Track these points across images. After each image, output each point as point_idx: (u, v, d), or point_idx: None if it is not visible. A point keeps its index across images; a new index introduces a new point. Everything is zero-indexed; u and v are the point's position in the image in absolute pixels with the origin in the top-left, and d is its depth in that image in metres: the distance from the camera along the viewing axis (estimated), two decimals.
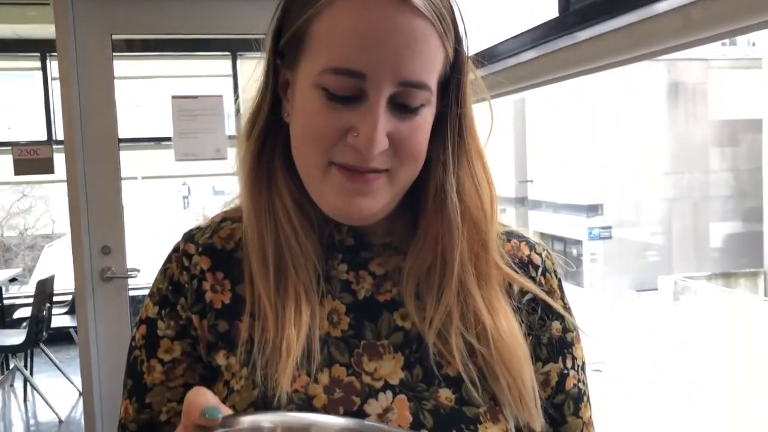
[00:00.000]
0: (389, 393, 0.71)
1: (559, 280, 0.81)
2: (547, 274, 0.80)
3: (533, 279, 0.78)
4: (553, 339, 0.78)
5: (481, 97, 0.76)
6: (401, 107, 0.67)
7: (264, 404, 0.68)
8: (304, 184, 0.72)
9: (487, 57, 1.78)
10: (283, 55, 0.72)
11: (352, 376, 0.71)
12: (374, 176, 0.68)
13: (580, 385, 0.80)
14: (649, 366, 11.61)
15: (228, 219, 0.80)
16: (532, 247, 0.81)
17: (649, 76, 18.02)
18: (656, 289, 17.31)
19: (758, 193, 17.74)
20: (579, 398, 0.79)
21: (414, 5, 0.65)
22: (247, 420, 0.55)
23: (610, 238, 19.11)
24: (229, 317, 0.74)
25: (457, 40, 0.71)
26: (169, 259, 0.79)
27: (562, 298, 0.80)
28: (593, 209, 19.02)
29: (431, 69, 0.68)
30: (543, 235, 20.79)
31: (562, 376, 0.78)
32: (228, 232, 0.79)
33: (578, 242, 19.44)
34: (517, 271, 0.76)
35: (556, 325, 0.78)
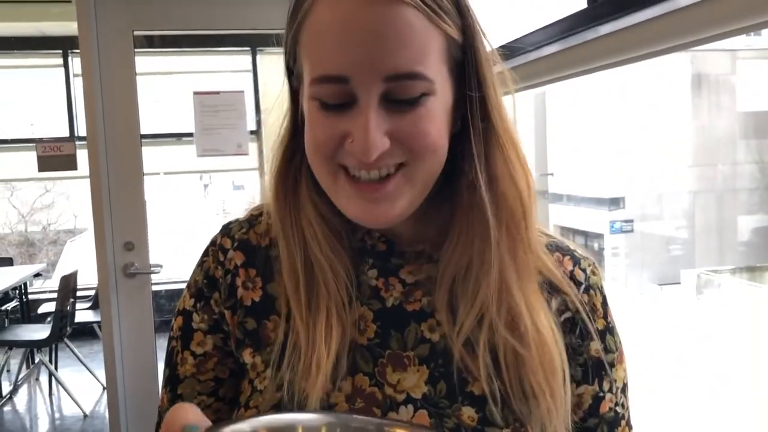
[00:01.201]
0: (410, 407, 0.68)
1: (604, 297, 0.77)
2: (591, 291, 0.76)
3: (575, 296, 0.74)
4: (590, 360, 0.74)
5: (505, 90, 0.71)
6: (397, 102, 0.64)
7: (287, 410, 0.67)
8: (323, 187, 0.71)
9: (512, 50, 1.76)
10: (292, 70, 0.71)
11: (374, 386, 0.69)
12: (384, 183, 0.66)
13: (618, 408, 0.76)
14: (671, 361, 11.50)
15: (265, 212, 0.79)
16: (576, 261, 0.77)
17: (673, 68, 17.82)
18: (679, 283, 17.14)
19: None
20: (615, 422, 0.75)
21: None
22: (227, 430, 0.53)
23: (632, 231, 18.94)
24: (257, 315, 0.74)
25: (462, 18, 0.66)
26: (206, 253, 0.79)
27: (605, 316, 0.76)
28: (615, 202, 18.86)
29: (423, 56, 0.63)
30: (564, 229, 20.65)
31: (597, 399, 0.74)
32: (264, 227, 0.78)
33: (600, 236, 19.29)
34: (558, 269, 0.73)
35: (594, 346, 0.74)
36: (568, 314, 0.73)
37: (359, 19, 0.61)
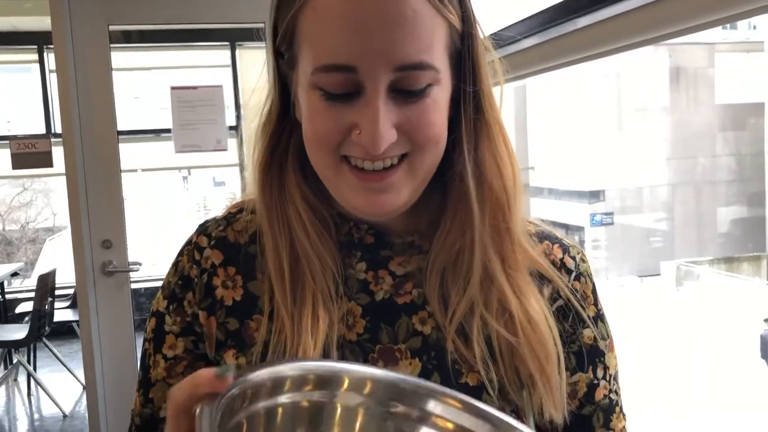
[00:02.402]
0: None
1: (594, 284, 0.76)
2: (582, 278, 0.75)
3: (565, 284, 0.73)
4: (583, 348, 0.73)
5: (495, 80, 0.71)
6: (404, 93, 0.62)
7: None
8: (323, 182, 0.69)
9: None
10: (282, 54, 0.69)
11: None
12: (388, 173, 0.64)
13: (612, 395, 0.75)
14: (652, 352, 11.63)
15: (245, 209, 0.77)
16: (565, 249, 0.76)
17: (651, 61, 17.97)
18: (659, 275, 17.34)
19: (761, 178, 17.71)
20: (610, 409, 0.74)
21: None
22: (264, 372, 0.52)
23: (612, 224, 19.12)
24: (240, 315, 0.72)
25: (462, 7, 0.65)
26: (181, 252, 0.76)
27: (596, 303, 0.75)
28: (595, 195, 19.03)
29: (430, 46, 0.62)
30: (545, 222, 20.77)
31: (592, 387, 0.73)
32: (243, 224, 0.75)
33: (580, 229, 19.45)
34: (541, 257, 0.72)
35: (587, 333, 0.73)
36: (560, 302, 0.72)
37: (369, 7, 0.59)
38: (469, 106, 0.68)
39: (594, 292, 0.76)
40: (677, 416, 8.74)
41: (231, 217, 0.77)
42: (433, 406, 0.57)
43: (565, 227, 20.01)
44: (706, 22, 1.28)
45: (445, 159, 0.68)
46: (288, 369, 0.54)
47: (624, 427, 0.76)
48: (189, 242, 0.76)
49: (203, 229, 0.77)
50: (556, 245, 0.75)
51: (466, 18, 0.66)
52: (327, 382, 0.55)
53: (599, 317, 0.75)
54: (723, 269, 16.59)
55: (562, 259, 0.75)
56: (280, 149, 0.72)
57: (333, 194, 0.68)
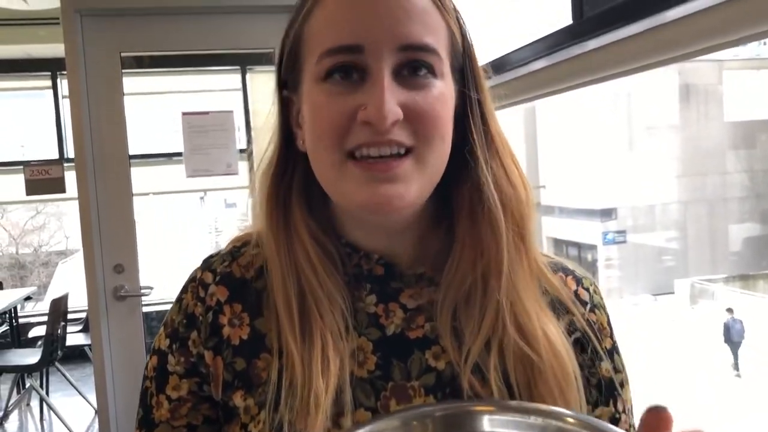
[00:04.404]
0: None
1: (608, 316, 0.75)
2: (597, 311, 0.73)
3: (582, 315, 0.71)
4: (603, 380, 0.71)
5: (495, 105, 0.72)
6: (410, 76, 0.63)
7: None
8: (330, 196, 0.68)
9: (499, 66, 1.76)
10: (287, 82, 0.69)
11: None
12: (396, 162, 0.63)
13: (631, 430, 0.73)
14: (667, 370, 11.48)
15: (249, 243, 0.75)
16: (578, 281, 0.74)
17: (661, 79, 17.95)
18: (673, 293, 17.16)
19: None
20: None
21: None
22: None
23: (624, 242, 18.99)
24: (247, 354, 0.69)
25: (461, 27, 0.67)
26: (184, 289, 0.75)
27: (611, 336, 0.74)
28: (607, 213, 18.92)
29: (433, 33, 0.63)
30: (557, 241, 20.69)
31: (614, 421, 0.71)
32: (248, 258, 0.74)
33: (593, 247, 19.33)
34: (555, 278, 0.71)
35: (605, 366, 0.72)
36: (577, 334, 0.70)
37: None
38: (477, 116, 0.68)
39: (609, 323, 0.74)
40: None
41: (236, 251, 0.75)
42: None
43: (578, 246, 19.90)
44: (714, 45, 1.28)
45: (452, 181, 0.68)
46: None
47: None
48: (193, 279, 0.75)
49: (208, 264, 0.75)
50: (569, 277, 0.74)
51: (465, 39, 0.68)
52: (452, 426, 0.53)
53: (615, 350, 0.74)
54: (738, 287, 16.41)
55: (576, 291, 0.73)
56: (285, 186, 0.71)
57: (337, 198, 0.67)
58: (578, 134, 18.85)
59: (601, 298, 0.75)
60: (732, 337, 12.12)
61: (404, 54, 0.62)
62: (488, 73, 0.71)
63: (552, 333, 0.67)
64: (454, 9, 0.67)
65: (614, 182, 18.36)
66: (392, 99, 0.61)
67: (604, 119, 18.46)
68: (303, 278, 0.68)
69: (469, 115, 0.68)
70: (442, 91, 0.64)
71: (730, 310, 12.92)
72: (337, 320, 0.68)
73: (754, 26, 1.17)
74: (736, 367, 11.97)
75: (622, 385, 0.73)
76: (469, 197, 0.68)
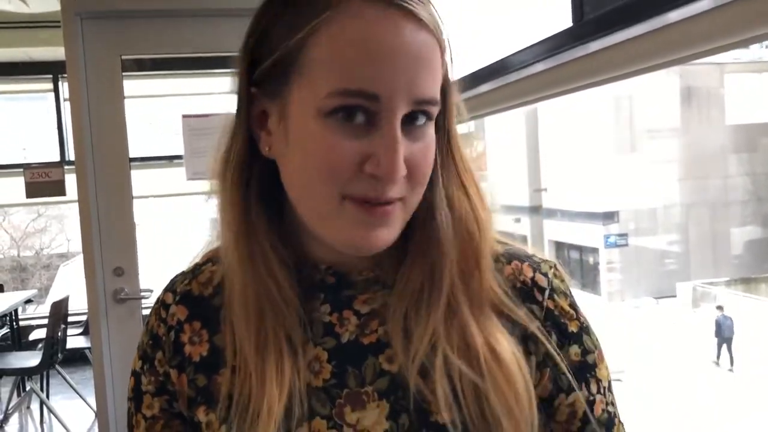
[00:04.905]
0: None
1: (572, 298, 0.74)
2: (555, 296, 0.72)
3: (540, 303, 0.71)
4: (573, 365, 0.71)
5: (459, 119, 0.72)
6: (411, 125, 0.63)
7: None
8: (307, 221, 0.67)
9: (500, 69, 1.75)
10: (259, 83, 0.67)
11: (333, 429, 0.66)
12: (390, 208, 0.64)
13: (609, 408, 0.73)
14: (669, 373, 11.47)
15: (211, 260, 0.76)
16: (536, 267, 0.73)
17: (662, 82, 17.95)
18: (674, 296, 17.15)
19: None
20: (610, 423, 0.72)
21: (419, 17, 0.61)
22: None
23: (626, 245, 18.98)
24: (207, 371, 0.71)
25: (449, 53, 0.67)
26: (151, 311, 0.77)
27: (578, 318, 0.73)
28: (609, 217, 18.92)
29: (438, 83, 0.64)
30: (559, 244, 20.68)
31: (589, 404, 0.71)
32: (207, 275, 0.75)
33: (594, 250, 19.33)
34: (512, 300, 0.70)
35: (574, 350, 0.71)
36: (537, 324, 0.70)
37: (396, 40, 0.60)
38: (443, 143, 0.69)
39: (573, 306, 0.73)
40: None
41: (197, 269, 0.77)
42: None
43: (579, 249, 19.90)
44: (716, 47, 1.27)
45: None
46: None
47: None
48: (157, 301, 0.76)
49: (171, 285, 0.77)
50: (525, 264, 0.73)
51: (449, 59, 0.67)
52: None
53: (583, 330, 0.73)
54: (740, 290, 16.39)
55: (533, 278, 0.72)
56: (248, 193, 0.69)
57: (322, 231, 0.66)
58: (580, 137, 18.85)
59: (562, 281, 0.74)
60: (723, 332, 12.86)
61: (416, 107, 0.62)
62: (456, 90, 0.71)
63: (502, 349, 0.67)
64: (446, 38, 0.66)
65: (616, 185, 18.36)
66: (402, 155, 0.61)
67: (606, 122, 18.46)
68: (262, 285, 0.68)
69: (437, 143, 0.68)
70: (432, 135, 0.66)
71: (720, 308, 13.70)
72: (293, 326, 0.68)
73: (756, 28, 1.16)
74: (730, 361, 12.68)
75: (595, 364, 0.72)
76: (424, 213, 0.68)
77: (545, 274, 0.73)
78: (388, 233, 0.65)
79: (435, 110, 0.64)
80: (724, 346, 12.86)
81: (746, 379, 11.22)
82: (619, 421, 0.74)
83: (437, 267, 0.68)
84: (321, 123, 0.62)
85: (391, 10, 0.60)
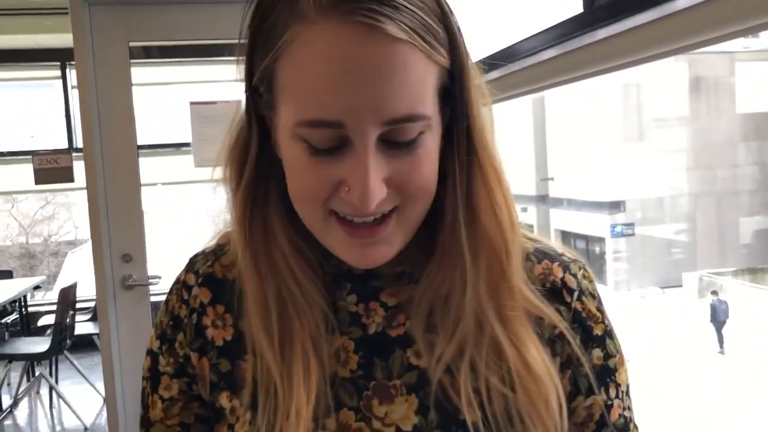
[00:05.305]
0: None
1: (599, 301, 0.73)
2: (584, 298, 0.71)
3: (568, 305, 0.70)
4: (594, 368, 0.70)
5: (484, 102, 0.67)
6: (395, 144, 0.59)
7: None
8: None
9: (508, 55, 1.74)
10: (261, 94, 0.64)
11: (361, 421, 0.65)
12: (380, 227, 0.61)
13: (626, 413, 0.72)
14: (675, 363, 11.47)
15: (233, 240, 0.73)
16: (566, 267, 0.71)
17: (671, 71, 17.83)
18: (681, 286, 17.11)
19: None
20: (625, 428, 0.72)
21: (386, 32, 0.55)
22: None
23: (633, 235, 18.93)
24: (231, 356, 0.70)
25: (452, 43, 0.61)
26: (170, 290, 0.75)
27: (603, 321, 0.72)
28: (615, 206, 18.85)
29: (422, 95, 0.58)
30: (565, 233, 20.63)
31: (607, 408, 0.71)
32: (231, 257, 0.72)
33: (601, 240, 19.27)
34: (543, 302, 0.68)
35: (596, 353, 0.71)
36: (564, 324, 0.69)
37: (356, 59, 0.55)
38: (462, 148, 0.64)
39: (600, 308, 0.72)
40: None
41: (219, 250, 0.75)
42: None
43: (586, 238, 19.85)
44: (728, 34, 1.26)
45: (436, 199, 0.65)
46: None
47: None
48: (178, 280, 0.75)
49: (191, 265, 0.75)
50: (555, 264, 0.72)
51: (457, 54, 0.61)
52: None
53: (607, 334, 0.72)
54: (747, 280, 16.34)
55: (563, 279, 0.71)
56: (261, 192, 0.67)
57: (324, 244, 0.65)
58: (587, 125, 18.76)
59: (591, 282, 0.73)
60: (718, 316, 13.35)
61: (389, 127, 0.57)
62: (477, 74, 0.66)
63: (533, 359, 0.65)
64: (444, 25, 0.60)
65: (623, 174, 18.28)
66: (377, 179, 0.58)
67: (614, 110, 18.36)
68: (283, 288, 0.66)
69: (455, 143, 0.64)
70: (428, 145, 0.61)
71: (714, 293, 14.32)
72: (318, 325, 0.67)
73: (766, 16, 1.15)
74: (720, 344, 13.18)
75: (615, 369, 0.72)
76: (451, 214, 0.65)
77: (575, 275, 0.72)
78: (386, 250, 0.63)
79: (420, 125, 0.59)
80: (719, 329, 13.33)
81: (752, 369, 11.22)
82: (635, 426, 0.74)
83: (462, 268, 0.65)
84: (297, 146, 0.60)
85: (348, 27, 0.55)
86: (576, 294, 0.71)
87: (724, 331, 13.19)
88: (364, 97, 0.56)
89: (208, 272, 0.73)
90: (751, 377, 10.74)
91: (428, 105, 0.59)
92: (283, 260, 0.67)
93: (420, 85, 0.58)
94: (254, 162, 0.66)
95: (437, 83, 0.61)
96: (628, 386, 0.73)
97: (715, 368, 11.73)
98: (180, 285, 0.74)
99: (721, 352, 12.97)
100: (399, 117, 0.57)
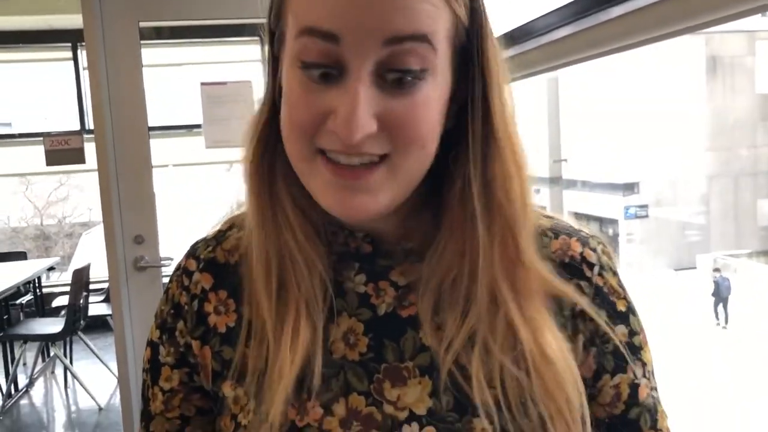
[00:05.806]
0: (415, 425, 0.61)
1: (619, 277, 0.69)
2: (604, 273, 0.68)
3: (589, 280, 0.66)
4: (619, 346, 0.66)
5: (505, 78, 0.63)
6: (394, 80, 0.55)
7: None
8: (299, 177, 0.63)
9: (523, 34, 1.71)
10: (274, 32, 0.62)
11: (372, 405, 0.62)
12: (366, 171, 0.57)
13: (654, 393, 0.68)
14: (688, 346, 11.45)
15: (235, 226, 0.72)
16: (584, 242, 0.68)
17: (687, 50, 17.61)
18: (695, 268, 17.03)
19: None
20: (654, 409, 0.68)
21: None
22: None
23: (646, 216, 18.83)
24: (234, 343, 0.67)
25: (473, 3, 0.58)
26: (171, 278, 0.73)
27: (625, 297, 0.68)
28: (629, 188, 18.74)
29: (429, 20, 0.54)
30: (578, 215, 20.56)
31: (634, 387, 0.67)
32: (233, 242, 0.71)
33: (614, 221, 19.19)
34: (563, 278, 0.65)
35: (621, 330, 0.67)
36: (586, 300, 0.65)
37: None
38: (478, 118, 0.60)
39: (621, 284, 0.69)
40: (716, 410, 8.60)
41: (221, 235, 0.72)
42: None
43: (599, 220, 19.76)
44: (746, 10, 1.23)
45: (439, 175, 0.62)
46: None
47: (667, 426, 0.69)
48: (178, 267, 0.72)
49: (193, 251, 0.72)
50: (573, 239, 0.68)
51: (476, 11, 0.58)
52: None
53: (630, 311, 0.69)
54: (763, 262, 16.23)
55: (582, 253, 0.67)
56: (269, 151, 0.65)
57: (308, 189, 0.62)
58: (601, 106, 18.60)
59: (610, 258, 0.69)
60: (721, 293, 13.86)
61: (390, 49, 0.54)
62: (499, 49, 0.62)
63: (548, 345, 0.61)
64: None
65: (638, 155, 18.14)
66: (366, 111, 0.54)
67: (629, 90, 18.18)
68: (283, 246, 0.64)
69: (469, 112, 0.60)
70: (429, 94, 0.57)
71: (717, 270, 14.97)
72: (315, 290, 0.64)
73: None
74: (725, 320, 13.67)
75: (641, 347, 0.68)
76: (460, 188, 0.62)
77: (594, 249, 0.68)
78: (369, 200, 0.58)
79: (424, 51, 0.55)
80: (721, 305, 13.83)
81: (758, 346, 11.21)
82: (662, 408, 0.70)
83: (473, 259, 0.61)
84: (295, 73, 0.57)
85: None
86: (597, 268, 0.67)
87: (727, 307, 13.68)
88: (367, 10, 0.52)
89: (209, 257, 0.71)
90: (756, 354, 10.75)
91: (436, 37, 0.56)
92: (284, 219, 0.64)
93: (429, 13, 0.54)
94: (265, 119, 0.65)
95: (451, 33, 0.57)
96: (653, 367, 0.70)
97: (717, 342, 11.88)
98: (180, 271, 0.72)
99: (724, 327, 13.41)
100: (403, 35, 0.53)
